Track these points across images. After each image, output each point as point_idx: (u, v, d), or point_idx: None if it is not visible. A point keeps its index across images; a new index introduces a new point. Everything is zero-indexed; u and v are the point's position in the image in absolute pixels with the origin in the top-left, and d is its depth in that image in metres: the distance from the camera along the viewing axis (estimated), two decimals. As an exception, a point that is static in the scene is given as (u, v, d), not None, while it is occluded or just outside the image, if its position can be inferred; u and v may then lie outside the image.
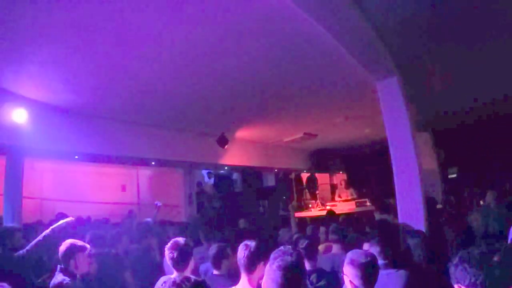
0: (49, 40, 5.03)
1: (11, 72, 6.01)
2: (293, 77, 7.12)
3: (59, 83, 6.64)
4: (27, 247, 4.28)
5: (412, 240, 4.10)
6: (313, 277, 3.54)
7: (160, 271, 3.99)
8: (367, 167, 17.04)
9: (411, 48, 6.22)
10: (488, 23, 5.62)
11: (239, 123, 10.77)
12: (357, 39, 5.11)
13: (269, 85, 7.46)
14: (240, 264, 2.93)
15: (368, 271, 2.67)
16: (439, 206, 9.75)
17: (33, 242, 4.30)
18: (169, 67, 6.33)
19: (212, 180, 15.53)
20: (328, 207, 12.04)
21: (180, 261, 3.40)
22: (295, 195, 17.08)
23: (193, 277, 2.51)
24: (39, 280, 4.79)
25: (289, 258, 2.29)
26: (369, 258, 2.74)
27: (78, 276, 3.58)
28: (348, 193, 14.03)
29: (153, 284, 3.43)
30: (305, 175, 18.43)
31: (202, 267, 4.72)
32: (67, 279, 3.42)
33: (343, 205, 12.58)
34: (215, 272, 4.07)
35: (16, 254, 4.28)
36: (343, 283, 2.98)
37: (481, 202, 7.80)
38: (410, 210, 5.70)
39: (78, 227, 5.22)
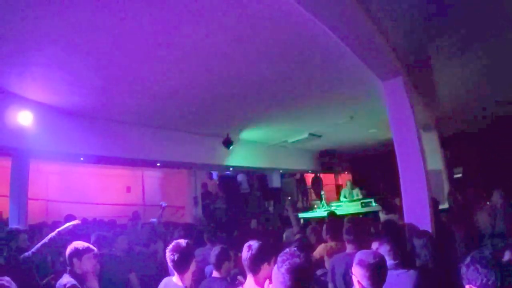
0: (54, 42, 5.03)
1: (16, 75, 6.02)
2: (297, 78, 7.10)
3: (64, 85, 6.64)
4: (33, 249, 4.30)
5: (418, 240, 4.08)
6: None
7: (165, 272, 4.00)
8: (373, 167, 17.01)
9: (417, 48, 6.19)
10: (495, 25, 5.60)
11: (244, 124, 10.75)
12: (362, 39, 5.08)
13: (274, 86, 7.44)
14: (244, 266, 2.92)
15: (376, 272, 2.66)
16: (445, 206, 9.73)
17: (39, 244, 4.32)
18: (174, 69, 6.32)
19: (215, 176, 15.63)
20: (333, 208, 12.01)
21: (181, 264, 3.40)
22: (300, 196, 17.10)
23: None
24: (44, 281, 4.82)
25: (297, 261, 2.28)
26: (377, 259, 2.72)
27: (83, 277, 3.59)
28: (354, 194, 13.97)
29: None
30: (310, 176, 18.45)
31: (208, 269, 4.72)
32: (72, 280, 3.42)
33: (348, 205, 12.53)
34: (215, 274, 4.05)
35: (21, 255, 4.30)
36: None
37: (487, 202, 7.75)
38: (416, 210, 5.66)
39: (85, 228, 5.24)
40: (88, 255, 3.67)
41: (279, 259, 2.34)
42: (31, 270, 4.34)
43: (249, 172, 15.83)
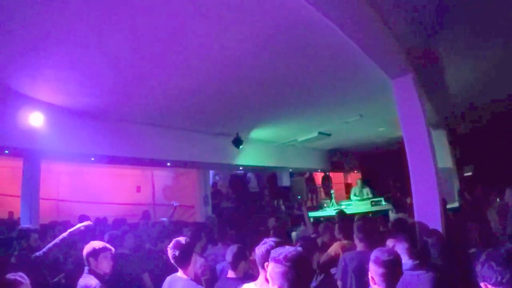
0: (65, 44, 5.07)
1: (28, 76, 6.07)
2: (307, 76, 7.10)
3: (76, 87, 6.70)
4: (44, 249, 4.33)
5: (428, 239, 4.07)
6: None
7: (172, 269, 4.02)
8: (382, 166, 16.93)
9: (427, 45, 6.16)
10: (505, 21, 5.55)
11: (254, 124, 10.78)
12: (372, 37, 5.07)
13: (284, 85, 7.45)
14: (257, 262, 2.92)
15: (391, 269, 2.65)
16: (455, 204, 9.66)
17: (51, 244, 4.35)
18: (185, 70, 6.36)
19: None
20: (343, 207, 12.00)
21: (182, 259, 3.52)
22: (309, 195, 17.09)
23: None
24: (55, 280, 4.86)
25: (293, 251, 2.25)
26: (392, 257, 2.71)
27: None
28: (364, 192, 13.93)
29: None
30: (319, 175, 18.42)
31: (218, 266, 4.73)
32: (99, 283, 3.45)
33: (358, 204, 12.51)
34: (230, 274, 4.02)
35: (33, 255, 4.34)
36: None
37: (498, 200, 7.66)
38: (426, 209, 5.64)
39: (97, 227, 5.28)
40: (105, 254, 3.70)
41: (271, 256, 2.30)
42: (41, 269, 4.38)
43: (259, 171, 15.84)
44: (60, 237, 4.37)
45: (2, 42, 4.87)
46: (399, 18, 5.07)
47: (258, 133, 11.96)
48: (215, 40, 5.33)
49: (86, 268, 3.64)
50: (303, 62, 6.40)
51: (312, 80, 7.37)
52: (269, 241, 2.93)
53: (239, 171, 15.64)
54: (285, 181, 16.10)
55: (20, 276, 2.83)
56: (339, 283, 4.20)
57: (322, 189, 18.09)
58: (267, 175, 16.46)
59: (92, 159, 9.69)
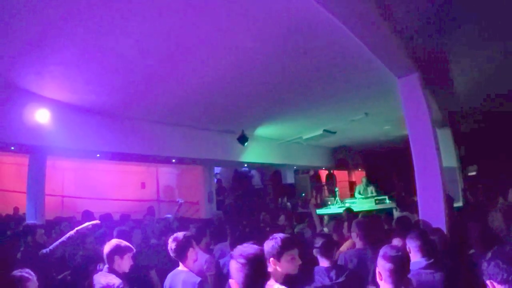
0: (73, 42, 5.09)
1: (34, 73, 6.09)
2: (313, 74, 7.09)
3: (82, 84, 6.74)
4: (51, 247, 4.34)
5: (431, 237, 4.07)
6: (332, 273, 3.53)
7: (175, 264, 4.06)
8: (387, 164, 16.91)
9: (433, 44, 6.14)
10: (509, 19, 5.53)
11: (259, 121, 10.80)
12: (378, 37, 5.06)
13: (288, 82, 7.45)
14: (266, 258, 2.94)
15: (397, 265, 2.65)
16: (459, 204, 9.64)
17: (57, 242, 4.36)
18: (192, 69, 6.39)
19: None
20: (348, 205, 12.00)
21: (179, 252, 3.63)
22: (313, 192, 17.09)
23: None
24: (60, 276, 4.89)
25: (250, 249, 2.34)
26: (400, 253, 2.72)
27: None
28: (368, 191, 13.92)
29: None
30: (324, 173, 18.42)
31: (222, 261, 4.76)
32: (121, 282, 3.45)
33: (362, 202, 12.51)
34: None
35: (39, 252, 4.36)
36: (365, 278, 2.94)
37: (501, 200, 7.63)
38: (431, 207, 5.66)
39: (102, 224, 5.29)
40: (130, 254, 3.73)
41: (233, 255, 2.37)
42: (47, 266, 4.39)
43: (263, 168, 15.85)
44: (68, 235, 4.37)
45: (9, 39, 4.88)
46: (405, 17, 5.06)
47: (263, 131, 11.99)
48: (223, 39, 5.34)
49: (106, 266, 3.64)
50: (309, 61, 6.40)
51: (318, 79, 7.37)
52: (278, 236, 2.95)
53: (243, 168, 15.65)
54: (290, 178, 16.11)
55: (27, 273, 2.85)
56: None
57: (326, 187, 18.11)
58: (271, 172, 16.48)
59: (98, 155, 9.71)
